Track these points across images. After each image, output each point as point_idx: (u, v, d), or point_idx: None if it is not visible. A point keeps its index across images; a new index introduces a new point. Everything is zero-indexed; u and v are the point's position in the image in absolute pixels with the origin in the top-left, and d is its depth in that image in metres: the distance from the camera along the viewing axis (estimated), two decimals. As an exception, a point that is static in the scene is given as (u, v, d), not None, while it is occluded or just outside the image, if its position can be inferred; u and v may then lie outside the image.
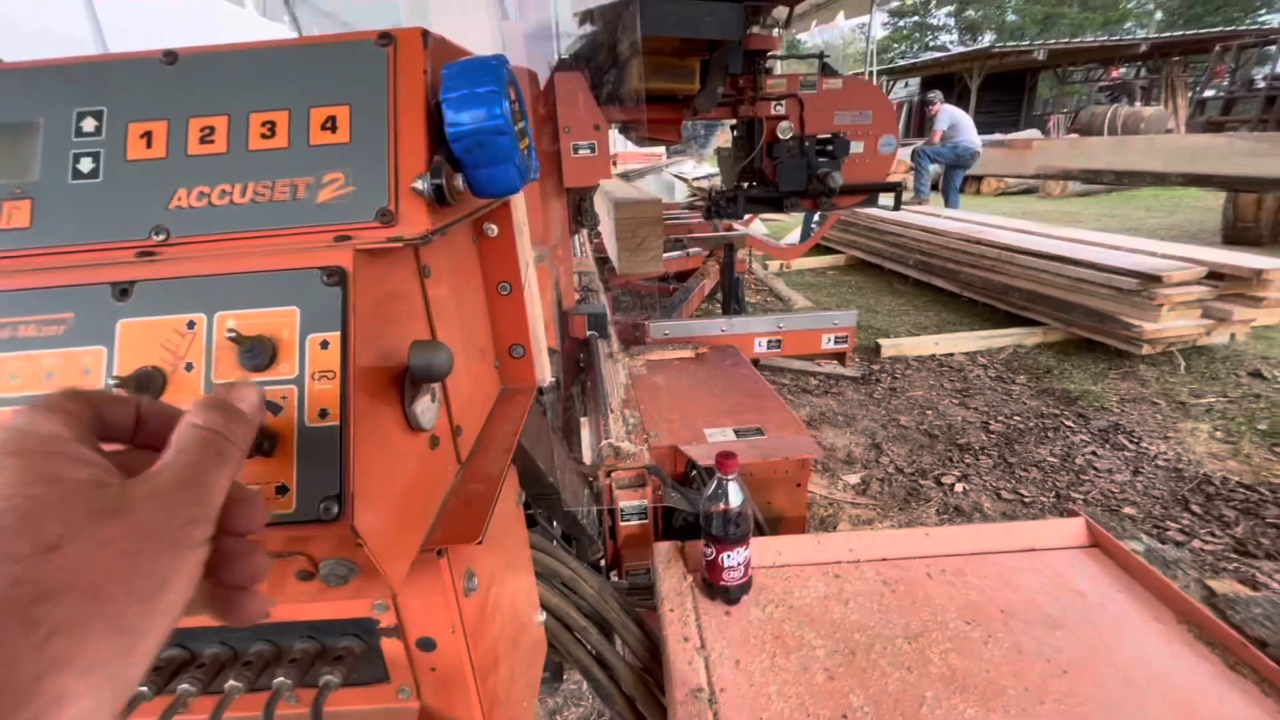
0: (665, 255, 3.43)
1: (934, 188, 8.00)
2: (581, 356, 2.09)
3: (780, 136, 2.33)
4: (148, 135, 0.41)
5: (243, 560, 0.30)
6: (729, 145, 2.72)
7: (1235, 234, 6.26)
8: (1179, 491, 2.46)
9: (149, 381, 0.36)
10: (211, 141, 0.41)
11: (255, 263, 0.39)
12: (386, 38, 0.42)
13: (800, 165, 2.33)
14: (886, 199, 2.51)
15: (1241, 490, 2.43)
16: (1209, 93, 8.07)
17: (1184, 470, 2.58)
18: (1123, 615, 0.94)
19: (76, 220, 0.40)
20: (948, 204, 7.46)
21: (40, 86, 0.42)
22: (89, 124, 0.41)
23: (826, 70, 2.38)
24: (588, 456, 1.49)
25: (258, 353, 0.36)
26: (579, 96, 1.73)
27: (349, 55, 0.42)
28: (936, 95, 7.77)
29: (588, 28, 1.95)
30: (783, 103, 2.32)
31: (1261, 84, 6.43)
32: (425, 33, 0.43)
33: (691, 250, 4.01)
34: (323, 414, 0.36)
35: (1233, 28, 16.36)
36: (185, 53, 0.42)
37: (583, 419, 2.13)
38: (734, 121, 2.49)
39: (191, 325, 0.38)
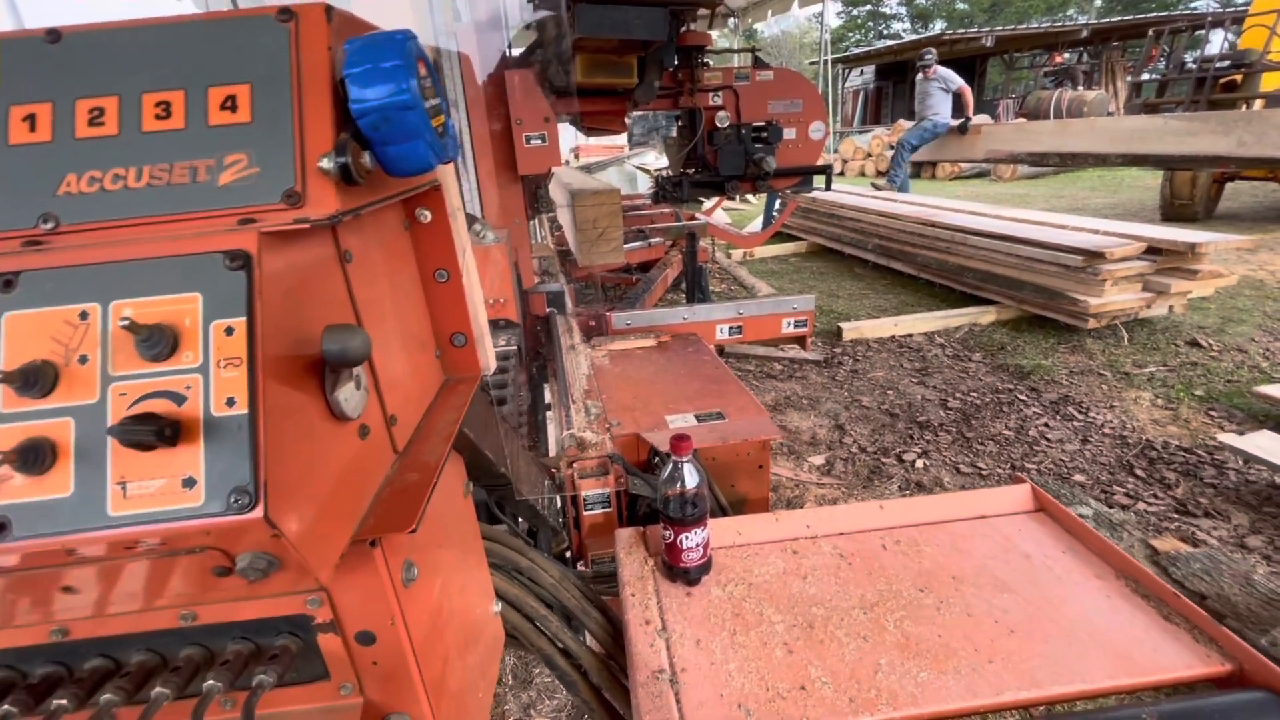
0: (627, 246, 3.45)
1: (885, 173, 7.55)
2: (540, 330, 2.21)
3: (718, 125, 2.51)
4: (30, 118, 0.39)
5: None
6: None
7: (1173, 211, 6.55)
8: (1124, 457, 2.57)
9: (38, 375, 0.34)
10: (101, 124, 0.39)
11: (152, 249, 0.37)
12: (287, 13, 0.41)
13: (738, 151, 2.52)
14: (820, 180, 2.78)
15: (1181, 453, 2.55)
16: (1145, 75, 8.38)
17: (1128, 437, 2.70)
18: (1065, 574, 0.97)
19: None
20: (891, 177, 7.20)
21: None
22: (-35, 107, 0.39)
23: (758, 63, 2.56)
24: (553, 449, 1.49)
25: (156, 341, 0.35)
26: (528, 92, 1.85)
27: (248, 31, 0.40)
28: (930, 54, 6.96)
29: (533, 32, 2.08)
30: (719, 94, 2.50)
31: (1192, 66, 6.72)
32: (329, 7, 0.41)
33: (653, 240, 4.01)
34: (230, 402, 0.35)
35: (1166, 13, 17.06)
36: (69, 30, 0.40)
37: (548, 413, 2.15)
38: (677, 111, 2.66)
39: (84, 316, 0.36)
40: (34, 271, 0.36)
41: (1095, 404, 2.99)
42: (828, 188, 2.89)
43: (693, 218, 4.26)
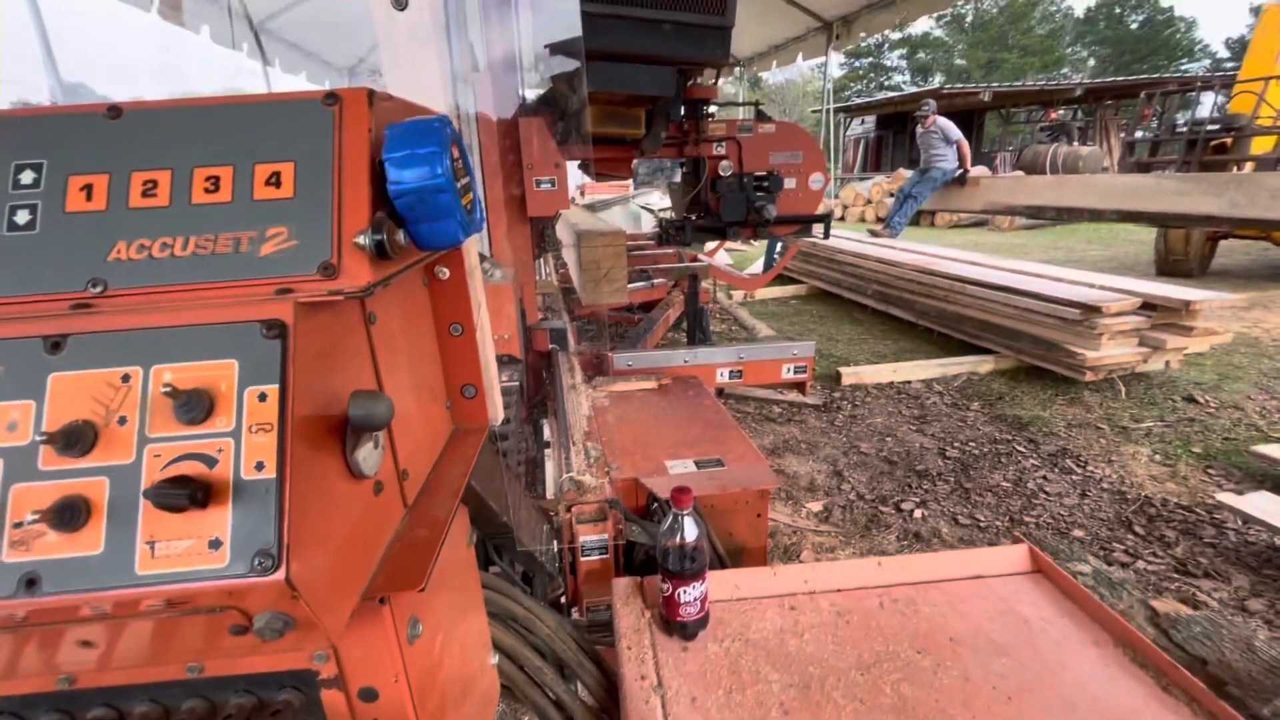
0: (630, 286, 3.51)
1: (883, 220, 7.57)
2: (542, 366, 2.27)
3: (722, 174, 2.62)
4: (88, 188, 0.41)
5: None
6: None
7: (1168, 266, 6.66)
8: (1123, 513, 2.56)
9: (79, 436, 0.36)
10: (154, 195, 0.42)
11: (194, 315, 0.39)
12: (333, 97, 0.44)
13: (740, 199, 2.63)
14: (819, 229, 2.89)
15: (1180, 511, 2.54)
16: (1138, 134, 8.63)
17: (1127, 493, 2.70)
18: (1063, 640, 0.97)
19: (9, 272, 0.40)
20: (890, 222, 7.14)
21: None
22: (27, 176, 0.41)
23: (761, 116, 2.69)
24: (550, 491, 1.49)
25: (194, 406, 0.36)
26: (541, 139, 1.96)
27: (296, 113, 0.43)
28: (929, 105, 6.92)
29: (548, 82, 2.16)
30: (723, 144, 2.62)
31: (1183, 128, 6.93)
32: (371, 93, 0.45)
33: (656, 281, 4.07)
34: (259, 466, 0.37)
35: (1158, 75, 17.66)
36: (130, 107, 0.43)
37: (545, 451, 2.16)
38: (682, 159, 2.79)
39: (126, 379, 0.38)
40: (81, 335, 0.38)
41: (1093, 458, 2.99)
42: (826, 236, 3.01)
43: (695, 259, 4.34)
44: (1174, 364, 3.80)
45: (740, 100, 8.33)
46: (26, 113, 0.42)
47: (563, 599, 1.42)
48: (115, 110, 0.43)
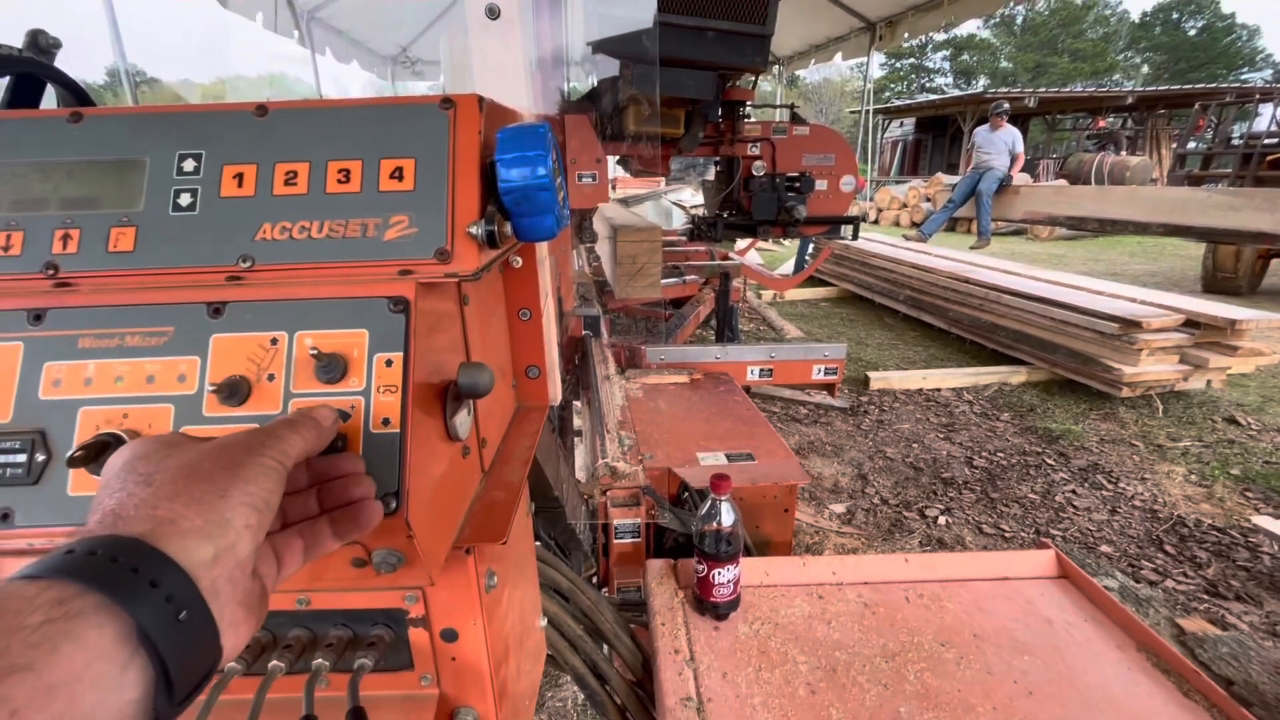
0: (663, 281, 3.57)
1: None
2: (575, 352, 2.42)
3: (755, 173, 2.72)
4: (239, 176, 0.48)
5: (350, 485, 0.40)
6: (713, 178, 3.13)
7: (1215, 284, 6.46)
8: (1154, 532, 2.53)
9: (237, 388, 0.42)
10: (294, 184, 0.48)
11: (331, 290, 0.45)
12: (449, 102, 0.49)
13: (771, 198, 2.71)
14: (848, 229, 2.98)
15: (1214, 533, 2.50)
16: (1191, 144, 8.37)
17: (1159, 511, 2.66)
18: (1086, 643, 1.00)
19: (175, 246, 0.46)
20: (983, 230, 6.91)
21: (149, 129, 0.48)
22: (189, 164, 0.48)
23: (796, 119, 2.78)
24: (581, 473, 1.55)
25: (333, 368, 0.42)
26: (584, 134, 2.06)
27: (417, 115, 0.49)
28: (1005, 106, 6.77)
29: (593, 79, 2.30)
30: (757, 145, 2.71)
31: (1238, 141, 6.70)
32: (481, 99, 0.50)
33: (688, 278, 4.11)
34: (385, 422, 0.43)
35: (1214, 84, 17.01)
36: (274, 106, 0.49)
37: (576, 438, 2.23)
38: (717, 158, 2.89)
39: (275, 341, 0.44)
40: (237, 303, 0.44)
41: (1126, 474, 2.95)
42: (854, 237, 3.10)
43: (727, 257, 4.36)
44: (1216, 384, 3.71)
45: (777, 97, 8.27)
46: (189, 109, 0.49)
47: (594, 578, 1.48)
48: (262, 109, 0.49)
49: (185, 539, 0.30)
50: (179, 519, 0.30)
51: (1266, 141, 6.38)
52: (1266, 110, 7.87)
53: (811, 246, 6.48)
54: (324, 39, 6.30)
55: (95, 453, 0.39)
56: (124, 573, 0.27)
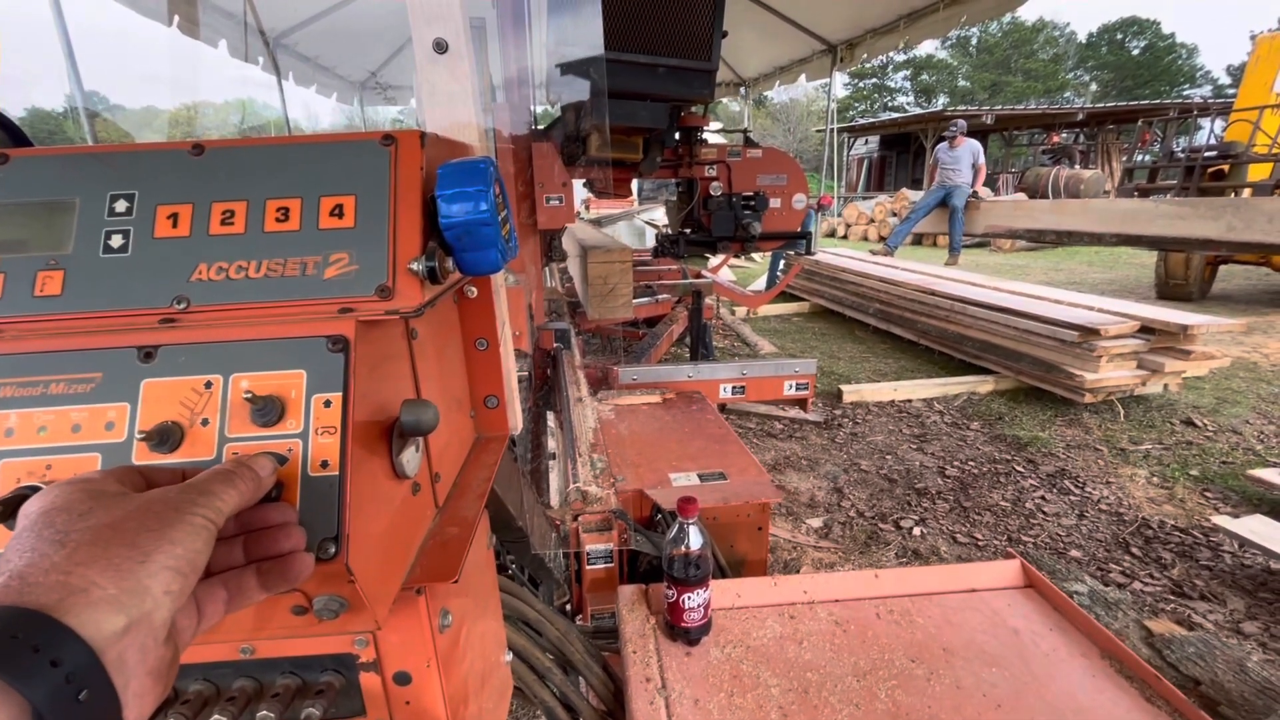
0: (635, 301, 3.60)
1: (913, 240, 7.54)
2: (546, 363, 2.55)
3: (713, 193, 2.91)
4: (174, 216, 0.47)
5: (279, 537, 0.39)
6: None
7: (1168, 290, 6.72)
8: (1120, 535, 2.59)
9: (168, 435, 0.41)
10: (231, 223, 0.47)
11: (268, 330, 0.44)
12: (389, 139, 0.49)
13: (729, 216, 2.91)
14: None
15: (1177, 534, 2.57)
16: (1138, 157, 8.73)
17: (1124, 514, 2.72)
18: (1052, 652, 1.01)
19: (106, 289, 0.45)
20: (954, 246, 7.13)
21: (79, 170, 0.47)
22: (121, 205, 0.47)
23: (749, 143, 2.97)
24: (554, 500, 1.54)
25: (268, 411, 0.41)
26: (550, 160, 2.15)
27: (357, 152, 0.49)
28: (960, 124, 6.99)
29: (558, 110, 2.45)
30: (714, 167, 2.90)
31: (1181, 154, 7.03)
32: (423, 134, 0.50)
33: (660, 296, 4.13)
34: (323, 465, 0.42)
35: (1159, 100, 17.87)
36: (211, 145, 0.49)
37: (551, 460, 2.21)
38: (676, 179, 3.09)
39: (209, 385, 0.43)
40: (170, 346, 0.43)
41: (1091, 479, 3.02)
42: (808, 251, 3.39)
43: (699, 275, 4.41)
44: (1173, 387, 3.83)
45: (744, 118, 8.46)
46: (121, 148, 0.48)
47: (568, 606, 1.46)
48: (199, 148, 0.48)
49: (95, 610, 0.28)
50: (91, 588, 0.29)
51: (1207, 154, 6.70)
52: (1207, 124, 8.28)
53: (783, 263, 6.59)
54: (289, 64, 6.27)
55: (13, 508, 0.37)
56: (24, 651, 0.25)
